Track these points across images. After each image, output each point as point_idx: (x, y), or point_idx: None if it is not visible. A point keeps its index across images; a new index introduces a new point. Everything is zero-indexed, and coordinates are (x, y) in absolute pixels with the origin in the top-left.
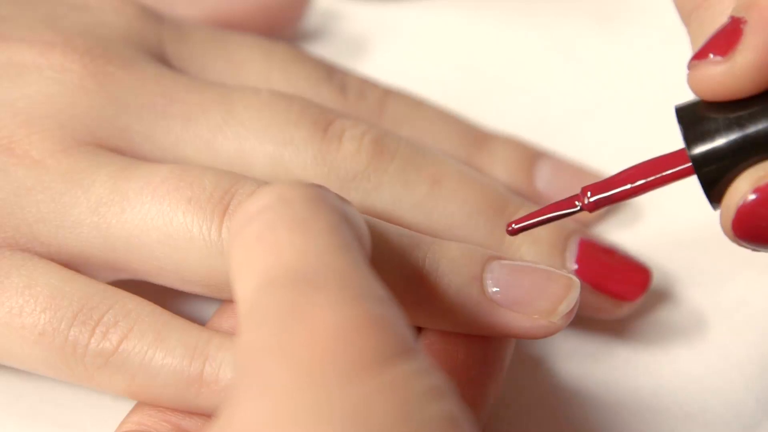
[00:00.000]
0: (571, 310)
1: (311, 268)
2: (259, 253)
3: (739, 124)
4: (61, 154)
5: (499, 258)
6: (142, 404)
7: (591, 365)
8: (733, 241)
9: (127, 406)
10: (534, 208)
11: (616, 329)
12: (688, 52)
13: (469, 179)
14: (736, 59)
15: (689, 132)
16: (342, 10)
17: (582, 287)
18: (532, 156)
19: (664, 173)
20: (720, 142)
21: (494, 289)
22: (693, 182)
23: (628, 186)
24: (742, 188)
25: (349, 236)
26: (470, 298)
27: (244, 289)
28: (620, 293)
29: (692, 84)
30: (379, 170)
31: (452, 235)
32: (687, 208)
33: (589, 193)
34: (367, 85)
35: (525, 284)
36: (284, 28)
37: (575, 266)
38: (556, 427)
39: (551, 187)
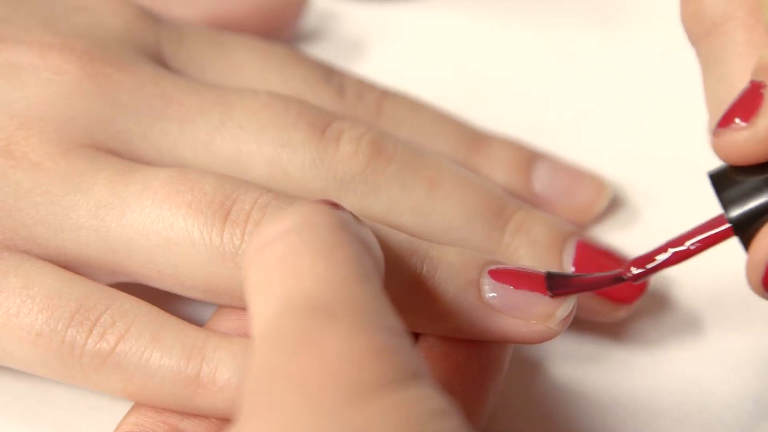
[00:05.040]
0: (568, 315)
1: (329, 298)
2: (280, 277)
3: None
4: (59, 156)
5: (497, 262)
6: (139, 405)
7: (589, 367)
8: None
9: (125, 407)
10: (532, 210)
11: (614, 331)
12: (687, 54)
13: (467, 181)
14: (758, 124)
15: (725, 196)
16: (340, 11)
17: None
18: (529, 157)
19: (705, 235)
20: (756, 202)
21: (491, 294)
22: (691, 188)
23: (671, 251)
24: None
25: (369, 266)
26: (467, 303)
27: (260, 310)
28: (618, 296)
29: (718, 150)
30: (377, 172)
31: (450, 237)
32: (685, 210)
33: (632, 268)
34: (365, 87)
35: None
36: (282, 29)
37: (572, 269)
38: (554, 428)
39: (549, 188)
